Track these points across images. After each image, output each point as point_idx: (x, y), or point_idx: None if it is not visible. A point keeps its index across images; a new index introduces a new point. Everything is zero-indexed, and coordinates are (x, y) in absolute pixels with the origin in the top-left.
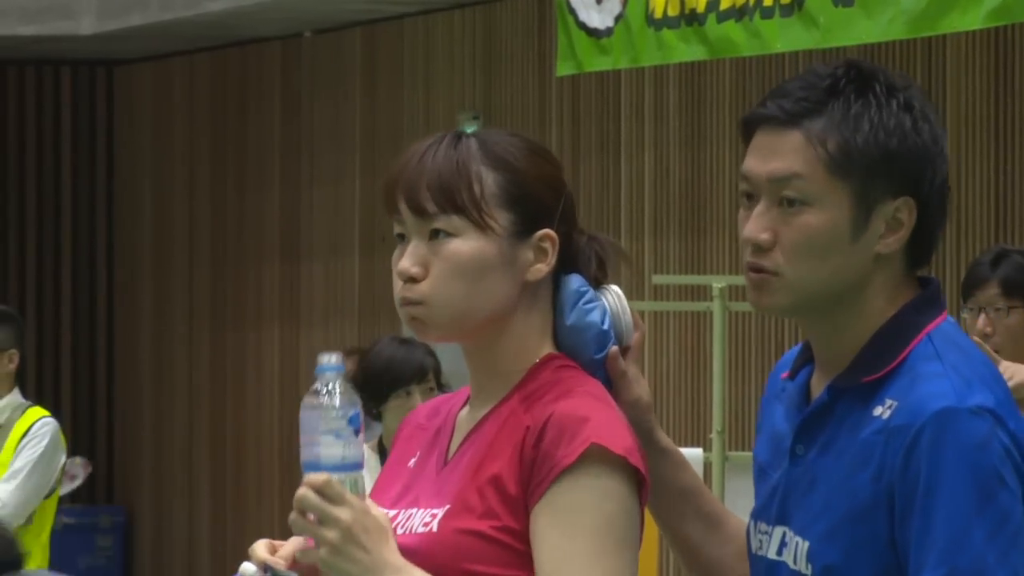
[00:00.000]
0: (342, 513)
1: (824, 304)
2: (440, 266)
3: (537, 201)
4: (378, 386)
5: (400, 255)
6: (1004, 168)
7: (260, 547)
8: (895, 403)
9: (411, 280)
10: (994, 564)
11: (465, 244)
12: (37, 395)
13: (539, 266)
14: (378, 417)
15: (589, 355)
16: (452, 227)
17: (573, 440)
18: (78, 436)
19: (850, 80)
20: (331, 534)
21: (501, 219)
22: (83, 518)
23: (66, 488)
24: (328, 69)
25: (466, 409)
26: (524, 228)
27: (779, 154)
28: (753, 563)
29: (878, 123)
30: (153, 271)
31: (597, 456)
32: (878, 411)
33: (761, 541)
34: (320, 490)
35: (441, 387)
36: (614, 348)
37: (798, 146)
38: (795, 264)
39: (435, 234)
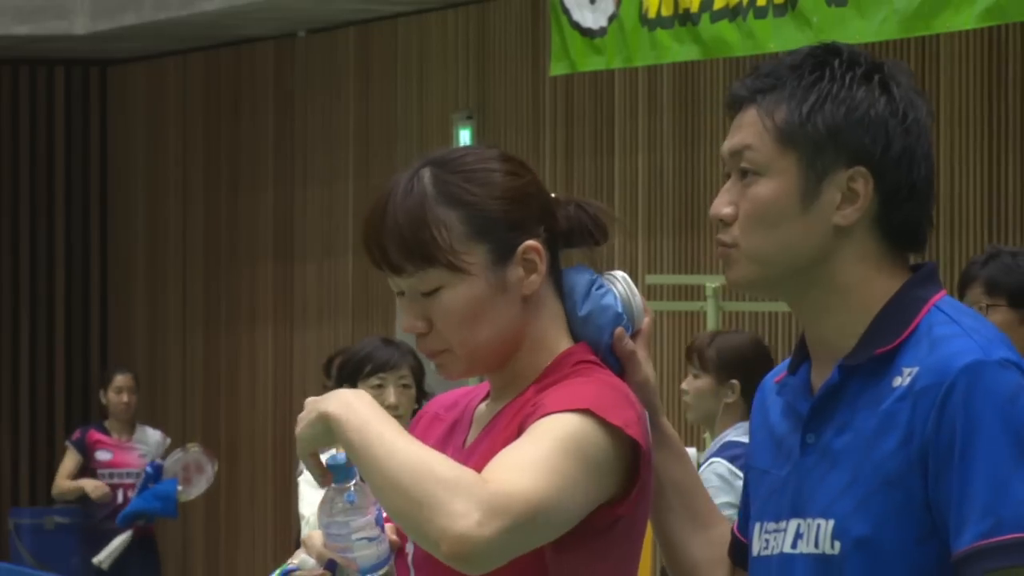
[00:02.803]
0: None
1: (787, 278)
2: (438, 319)
3: (505, 222)
4: (352, 372)
5: (402, 307)
6: (996, 167)
7: (317, 537)
8: (915, 369)
9: (421, 335)
10: None
11: (452, 293)
12: (31, 396)
13: (532, 278)
14: None
15: (607, 339)
16: (435, 280)
17: (569, 402)
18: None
19: (813, 57)
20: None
21: (477, 254)
22: (76, 518)
23: (199, 485)
24: (322, 69)
25: (485, 404)
26: (503, 251)
27: (739, 129)
28: (757, 566)
29: (827, 94)
30: (146, 271)
31: (589, 415)
32: (897, 381)
33: (768, 541)
34: None
35: (423, 393)
36: (619, 329)
37: (752, 120)
38: (748, 234)
39: (423, 290)
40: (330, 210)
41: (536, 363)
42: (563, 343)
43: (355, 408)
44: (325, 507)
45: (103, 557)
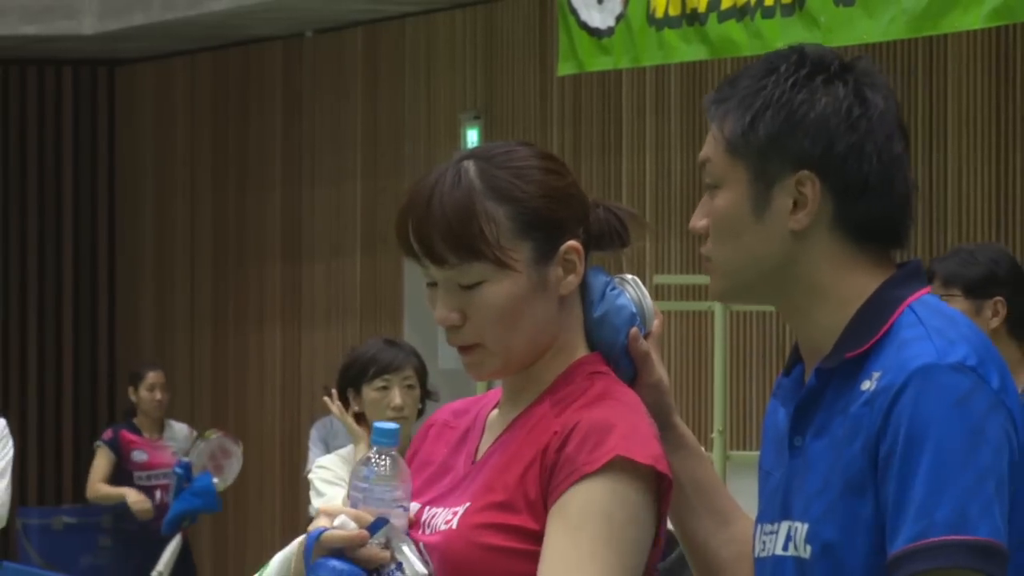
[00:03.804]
0: None
1: (759, 286)
2: (477, 313)
3: (551, 220)
4: (357, 375)
5: (432, 299)
6: (1004, 166)
7: (339, 503)
8: (881, 373)
9: (453, 327)
10: (976, 517)
11: (495, 288)
12: (39, 396)
13: (570, 279)
14: (360, 416)
15: (622, 340)
16: (477, 274)
17: (597, 448)
18: (80, 437)
19: (766, 62)
20: None
21: (521, 251)
22: (85, 517)
23: (232, 469)
24: (329, 69)
25: (496, 411)
26: (546, 250)
27: (705, 143)
28: (757, 568)
29: (769, 101)
30: (154, 271)
31: (620, 466)
32: (866, 385)
33: (765, 543)
34: None
35: (428, 393)
36: (634, 329)
37: (710, 133)
38: (716, 246)
39: (464, 283)
40: (338, 210)
41: (554, 367)
42: (580, 349)
43: None
44: (363, 471)
45: (161, 569)
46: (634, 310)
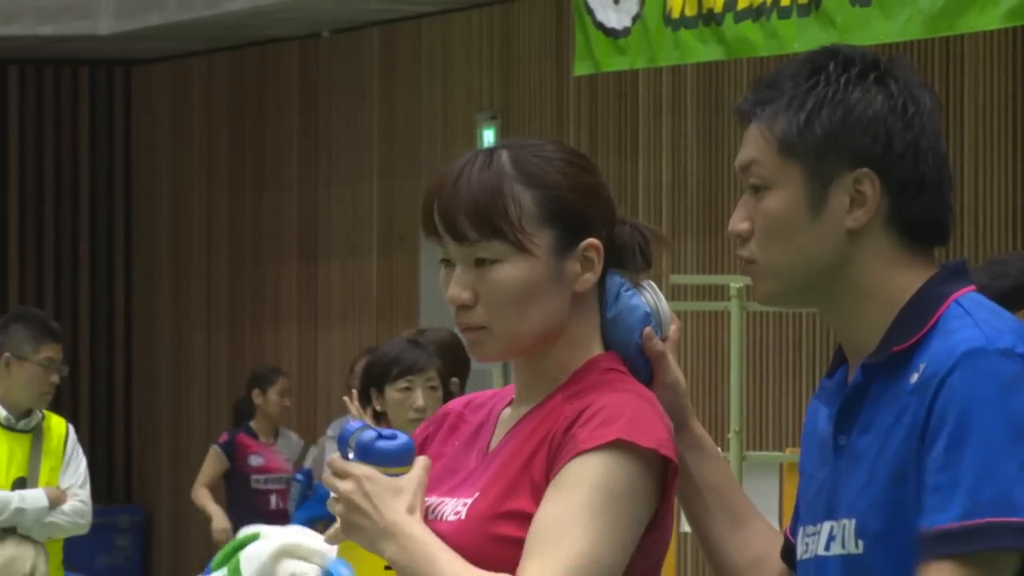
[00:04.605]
0: (344, 484)
1: (809, 287)
2: (489, 293)
3: (576, 213)
4: (380, 375)
5: (447, 279)
6: (1021, 166)
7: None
8: (927, 363)
9: (463, 306)
10: (1021, 500)
11: (511, 269)
12: (55, 398)
13: (587, 276)
14: (381, 416)
15: (636, 339)
16: (495, 253)
17: (600, 429)
18: (96, 437)
19: (810, 62)
20: (337, 507)
21: (542, 238)
22: (101, 518)
23: None
24: (346, 69)
25: (510, 407)
26: (567, 242)
27: (745, 144)
28: (800, 570)
29: (823, 100)
30: (171, 271)
31: (620, 447)
32: (913, 377)
33: (808, 544)
34: (332, 468)
35: (450, 394)
36: (648, 328)
37: (755, 133)
38: (765, 248)
39: (480, 261)
40: (354, 210)
41: (566, 363)
42: (596, 349)
43: (414, 539)
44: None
45: None
46: (648, 310)
